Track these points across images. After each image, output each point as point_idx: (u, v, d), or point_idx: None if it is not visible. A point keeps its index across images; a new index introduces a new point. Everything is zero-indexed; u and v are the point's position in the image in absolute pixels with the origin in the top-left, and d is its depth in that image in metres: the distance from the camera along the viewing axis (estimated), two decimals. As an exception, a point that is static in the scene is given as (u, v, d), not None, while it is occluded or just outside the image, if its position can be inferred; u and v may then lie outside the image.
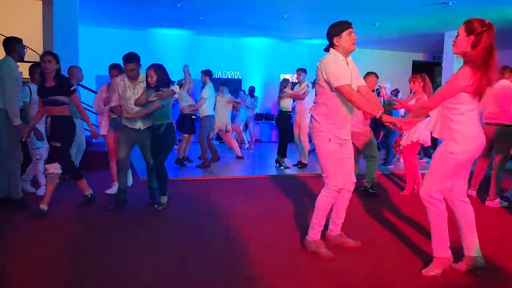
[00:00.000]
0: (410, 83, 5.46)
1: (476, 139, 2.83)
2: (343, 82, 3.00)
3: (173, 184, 6.09)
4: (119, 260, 3.18)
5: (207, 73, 7.65)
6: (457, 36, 2.81)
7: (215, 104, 7.97)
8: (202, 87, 7.76)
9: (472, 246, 2.99)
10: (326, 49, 3.23)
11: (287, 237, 3.75)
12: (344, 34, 3.10)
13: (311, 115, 3.32)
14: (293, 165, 7.57)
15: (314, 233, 3.33)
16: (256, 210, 4.70)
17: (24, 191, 4.87)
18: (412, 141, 5.34)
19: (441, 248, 2.97)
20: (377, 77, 5.49)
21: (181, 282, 2.85)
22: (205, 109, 7.43)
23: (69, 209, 4.56)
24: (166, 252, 3.37)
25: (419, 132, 5.25)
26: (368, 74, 5.39)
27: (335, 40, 3.13)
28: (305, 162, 7.44)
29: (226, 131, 8.43)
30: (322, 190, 3.28)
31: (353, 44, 3.14)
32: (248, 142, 10.64)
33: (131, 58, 4.46)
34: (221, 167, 7.69)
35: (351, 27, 3.13)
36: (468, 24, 2.76)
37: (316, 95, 3.29)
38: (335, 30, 3.13)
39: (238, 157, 8.59)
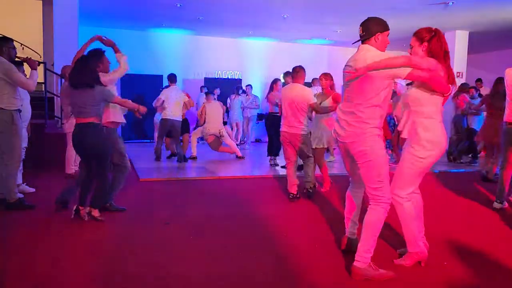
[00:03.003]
0: (321, 80, 5.62)
1: (442, 144, 3.00)
2: (408, 69, 2.76)
3: (173, 183, 6.10)
4: (119, 260, 3.18)
5: (168, 77, 8.12)
6: (411, 47, 3.05)
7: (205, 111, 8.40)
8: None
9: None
10: (361, 42, 2.93)
11: (287, 235, 3.76)
12: (386, 33, 2.90)
13: (360, 120, 2.83)
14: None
15: (369, 257, 2.87)
16: (256, 210, 4.70)
17: (22, 191, 4.89)
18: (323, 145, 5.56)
19: (413, 243, 3.09)
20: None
21: (182, 283, 2.85)
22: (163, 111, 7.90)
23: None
24: (165, 252, 3.37)
25: (327, 135, 5.48)
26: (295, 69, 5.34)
27: (377, 36, 2.86)
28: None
29: (221, 136, 8.44)
30: (376, 207, 2.87)
31: (385, 48, 2.93)
32: (242, 139, 10.62)
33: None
34: (221, 167, 7.70)
35: None
36: (418, 34, 3.02)
37: (362, 96, 2.84)
38: (380, 25, 2.89)
39: (238, 157, 8.59)
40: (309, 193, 5.24)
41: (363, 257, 2.86)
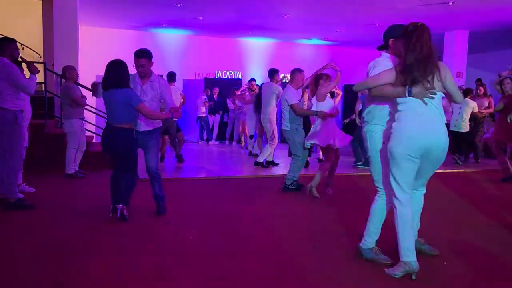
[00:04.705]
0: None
1: (412, 136, 2.75)
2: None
3: (173, 182, 6.10)
4: (118, 260, 3.18)
5: (168, 76, 7.83)
6: None
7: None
8: None
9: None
10: (380, 48, 3.13)
11: (287, 236, 3.77)
12: (400, 39, 2.84)
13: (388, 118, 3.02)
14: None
15: (369, 242, 3.14)
16: (255, 210, 4.70)
17: (22, 191, 4.89)
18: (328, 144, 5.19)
19: (407, 251, 2.81)
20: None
21: (181, 282, 2.85)
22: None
23: (67, 208, 4.57)
24: (164, 252, 3.37)
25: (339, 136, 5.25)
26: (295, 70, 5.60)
27: (390, 42, 3.00)
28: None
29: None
30: (378, 198, 3.13)
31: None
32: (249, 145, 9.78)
33: (142, 53, 4.11)
34: (221, 167, 7.70)
35: None
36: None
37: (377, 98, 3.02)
38: (394, 31, 2.97)
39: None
40: (285, 187, 5.56)
41: (364, 240, 3.15)
